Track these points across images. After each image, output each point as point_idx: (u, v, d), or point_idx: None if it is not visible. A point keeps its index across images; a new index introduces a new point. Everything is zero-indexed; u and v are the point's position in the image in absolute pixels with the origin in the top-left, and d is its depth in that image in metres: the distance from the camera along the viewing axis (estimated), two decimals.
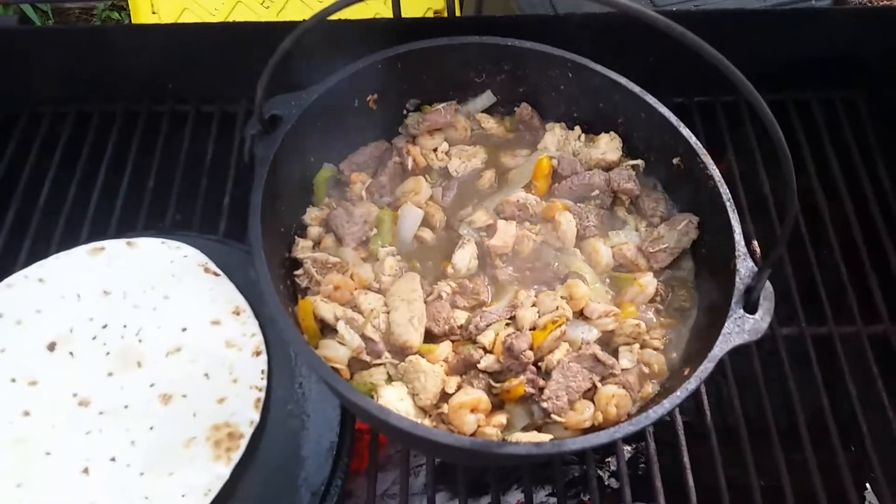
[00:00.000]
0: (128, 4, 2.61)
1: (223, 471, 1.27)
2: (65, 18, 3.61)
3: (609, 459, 1.61)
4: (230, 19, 2.55)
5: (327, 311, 1.25)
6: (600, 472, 1.58)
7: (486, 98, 1.55)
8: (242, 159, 1.74)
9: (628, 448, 1.57)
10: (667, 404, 1.08)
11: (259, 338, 1.41)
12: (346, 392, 1.05)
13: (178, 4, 2.56)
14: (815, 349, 1.54)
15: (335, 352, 1.21)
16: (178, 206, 1.70)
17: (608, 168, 1.46)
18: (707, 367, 1.11)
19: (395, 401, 1.16)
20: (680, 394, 1.09)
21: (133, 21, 2.59)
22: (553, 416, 1.17)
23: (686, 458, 1.40)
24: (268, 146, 1.26)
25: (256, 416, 1.32)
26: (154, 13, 2.57)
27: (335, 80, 1.36)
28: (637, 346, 1.26)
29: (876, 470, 1.45)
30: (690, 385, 1.09)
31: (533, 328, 1.25)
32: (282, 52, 1.08)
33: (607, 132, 1.49)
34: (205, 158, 1.77)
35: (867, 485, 1.55)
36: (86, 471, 1.28)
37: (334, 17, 1.09)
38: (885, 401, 1.49)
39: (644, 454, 1.51)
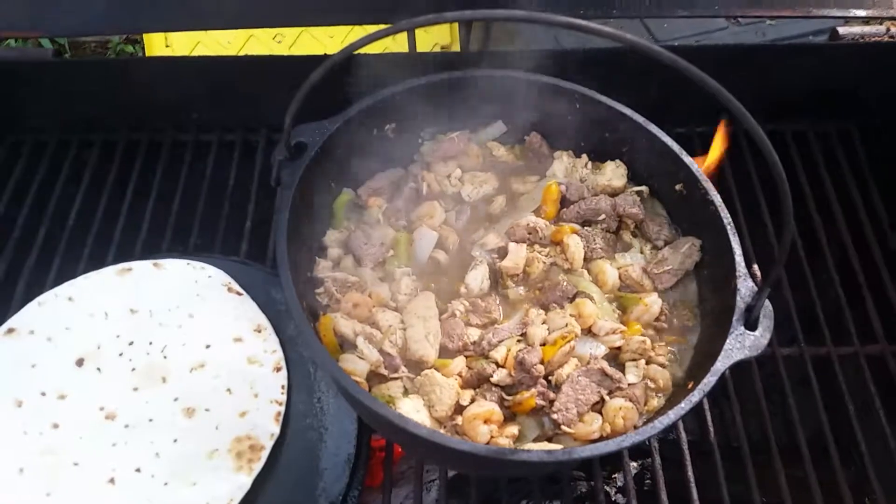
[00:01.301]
0: (142, 38, 2.70)
1: (245, 481, 1.32)
2: (80, 52, 3.72)
3: (616, 475, 1.65)
4: (242, 52, 2.65)
5: (347, 327, 1.31)
6: (607, 488, 1.63)
7: (497, 128, 1.62)
8: (263, 186, 1.84)
9: (634, 464, 1.62)
10: (672, 415, 1.13)
11: (280, 354, 1.47)
12: (367, 401, 1.11)
13: (192, 38, 2.65)
14: (815, 369, 1.59)
15: (355, 365, 1.26)
16: (201, 229, 1.78)
17: (614, 194, 1.53)
18: (710, 380, 1.16)
19: (412, 412, 1.21)
20: (684, 405, 1.14)
21: (147, 54, 2.69)
22: (563, 427, 1.22)
23: (690, 473, 1.45)
24: (293, 171, 1.33)
25: (277, 429, 1.38)
26: (168, 46, 2.67)
27: (356, 109, 1.44)
28: (643, 361, 1.32)
29: (874, 487, 1.49)
30: (694, 397, 1.15)
31: (543, 344, 1.31)
32: (310, 85, 1.16)
33: (613, 160, 1.56)
34: (227, 185, 1.85)
35: (866, 500, 1.59)
36: (112, 481, 1.33)
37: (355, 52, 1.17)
38: (883, 419, 1.54)
39: (650, 470, 1.55)
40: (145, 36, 2.66)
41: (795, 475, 1.50)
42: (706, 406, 1.57)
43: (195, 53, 2.63)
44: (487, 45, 1.89)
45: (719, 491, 1.47)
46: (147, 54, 2.72)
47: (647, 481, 1.61)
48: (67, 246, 1.74)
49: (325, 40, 2.83)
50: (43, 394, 1.42)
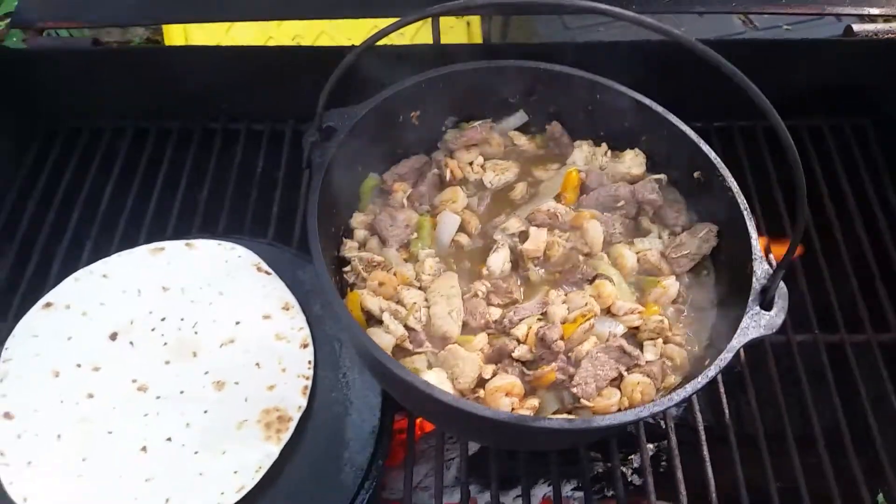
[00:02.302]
0: (162, 39, 2.77)
1: (273, 450, 1.36)
2: None
3: (632, 457, 1.68)
4: None
5: (373, 303, 1.36)
6: (624, 469, 1.66)
7: (519, 117, 1.67)
8: (289, 174, 1.90)
9: (651, 446, 1.65)
10: (689, 388, 1.16)
11: (306, 331, 1.52)
12: (394, 368, 1.15)
13: (212, 40, 2.72)
14: (828, 355, 1.62)
15: (381, 339, 1.30)
16: (230, 214, 1.83)
17: (633, 181, 1.56)
18: (726, 356, 1.19)
19: (436, 384, 1.25)
20: (701, 380, 1.18)
21: None
22: (582, 400, 1.25)
23: (706, 453, 1.48)
24: (323, 153, 1.38)
25: (304, 402, 1.42)
26: None
27: (383, 96, 1.49)
28: (660, 340, 1.35)
29: (887, 472, 1.51)
30: (710, 372, 1.18)
31: (563, 322, 1.35)
32: (344, 67, 1.22)
33: (632, 148, 1.60)
34: (254, 172, 1.90)
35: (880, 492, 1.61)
36: (144, 449, 1.38)
37: (381, 43, 1.23)
38: (895, 404, 1.57)
39: (666, 452, 1.59)
40: (166, 37, 2.74)
41: (809, 461, 1.52)
42: (722, 392, 1.60)
43: None
44: (506, 38, 1.94)
45: (734, 475, 1.49)
46: None
47: (663, 463, 1.64)
48: (100, 228, 1.80)
49: (342, 42, 2.89)
50: (78, 365, 1.47)
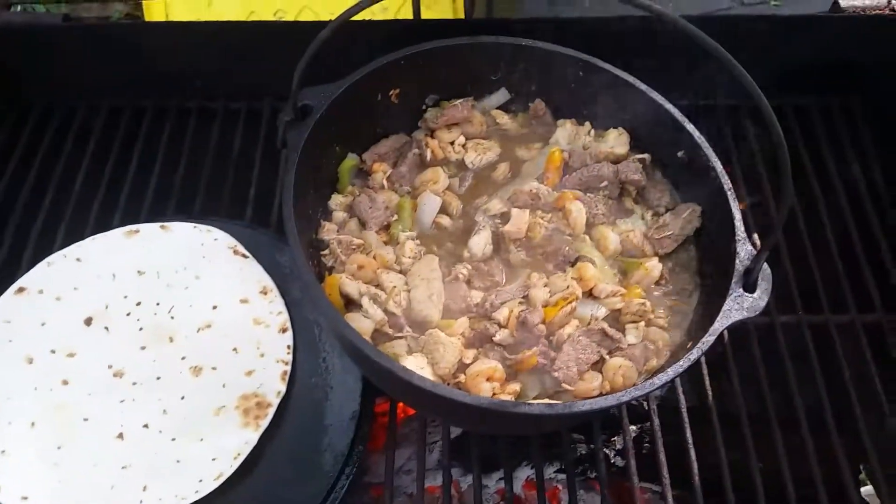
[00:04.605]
0: (142, 15, 2.70)
1: (252, 436, 1.34)
2: None
3: (615, 438, 1.68)
4: None
5: (352, 287, 1.33)
6: (606, 450, 1.65)
7: (501, 95, 1.64)
8: (267, 154, 1.86)
9: (634, 428, 1.64)
10: (671, 372, 1.15)
11: (285, 316, 1.49)
12: (373, 355, 1.12)
13: (193, 15, 2.65)
14: (812, 336, 1.61)
15: (360, 324, 1.28)
16: (206, 195, 1.79)
17: (616, 161, 1.54)
18: (709, 339, 1.18)
19: (416, 369, 1.23)
20: (683, 363, 1.16)
21: None
22: (564, 384, 1.24)
23: (689, 436, 1.48)
24: (299, 133, 1.34)
25: (283, 388, 1.40)
26: None
27: (361, 73, 1.45)
28: (643, 323, 1.34)
29: (869, 452, 1.51)
30: (693, 355, 1.17)
31: (545, 306, 1.33)
32: (320, 42, 1.18)
33: (616, 127, 1.57)
34: (231, 152, 1.86)
35: (861, 467, 1.61)
36: (120, 436, 1.36)
37: (359, 17, 1.19)
38: (878, 386, 1.56)
39: (649, 434, 1.58)
40: (146, 12, 2.67)
41: (792, 442, 1.52)
42: (705, 373, 1.59)
43: None
44: (491, 13, 1.90)
45: (717, 456, 1.49)
46: None
47: (646, 444, 1.64)
48: (74, 210, 1.76)
49: (325, 17, 2.84)
50: (53, 351, 1.45)
